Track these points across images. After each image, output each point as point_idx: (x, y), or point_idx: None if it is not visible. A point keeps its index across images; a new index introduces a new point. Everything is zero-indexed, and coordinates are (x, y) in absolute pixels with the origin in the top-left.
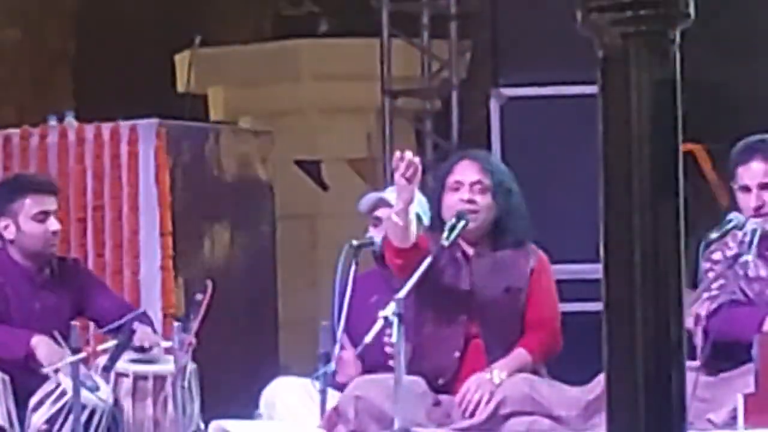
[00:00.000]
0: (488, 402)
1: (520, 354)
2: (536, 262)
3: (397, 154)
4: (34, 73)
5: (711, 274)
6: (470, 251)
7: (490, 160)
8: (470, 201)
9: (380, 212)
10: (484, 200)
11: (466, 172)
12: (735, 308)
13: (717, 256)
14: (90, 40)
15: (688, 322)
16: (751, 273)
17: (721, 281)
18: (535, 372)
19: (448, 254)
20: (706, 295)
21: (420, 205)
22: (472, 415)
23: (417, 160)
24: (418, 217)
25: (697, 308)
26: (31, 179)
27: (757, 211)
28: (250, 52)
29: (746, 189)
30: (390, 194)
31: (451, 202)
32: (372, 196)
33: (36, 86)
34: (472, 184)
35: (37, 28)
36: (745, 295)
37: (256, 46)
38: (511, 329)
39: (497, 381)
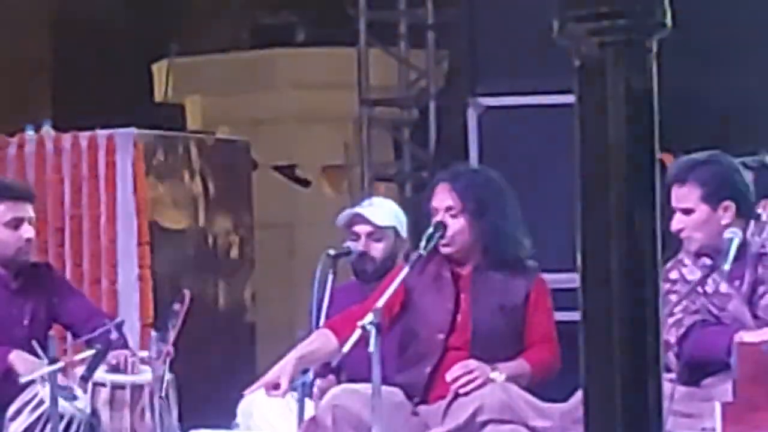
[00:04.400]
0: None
1: (521, 363)
2: (534, 283)
3: None
4: (12, 82)
5: (673, 297)
6: (463, 271)
7: (461, 179)
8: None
9: (357, 228)
10: (454, 225)
11: (439, 197)
12: (705, 329)
13: (674, 275)
14: (67, 49)
15: None
16: (709, 289)
17: (684, 303)
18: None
19: (435, 273)
20: (670, 320)
21: (396, 217)
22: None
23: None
24: (396, 231)
25: (665, 335)
26: (7, 185)
27: (678, 234)
28: (228, 61)
29: (673, 211)
30: (366, 209)
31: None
32: (348, 213)
33: (13, 96)
34: (445, 210)
35: (15, 37)
36: (709, 312)
37: (234, 55)
38: (504, 347)
39: (495, 377)
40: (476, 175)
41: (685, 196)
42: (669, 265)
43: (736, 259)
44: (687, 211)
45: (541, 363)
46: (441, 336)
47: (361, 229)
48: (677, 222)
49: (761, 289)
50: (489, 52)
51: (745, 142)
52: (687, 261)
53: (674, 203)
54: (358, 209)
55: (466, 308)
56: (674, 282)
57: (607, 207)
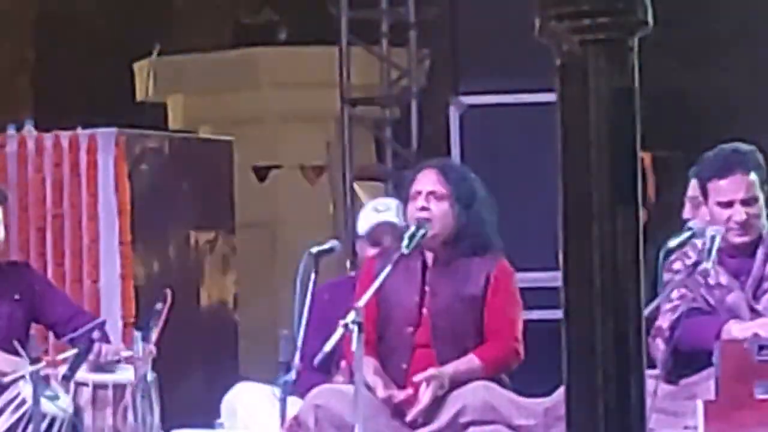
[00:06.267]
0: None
1: (471, 360)
2: (495, 270)
3: None
4: None
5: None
6: (430, 260)
7: (451, 169)
8: (424, 208)
9: (385, 240)
10: (438, 208)
11: (423, 180)
12: (696, 317)
13: (678, 265)
14: (49, 48)
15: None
16: (711, 280)
17: (682, 291)
18: (497, 381)
19: (404, 265)
20: (667, 306)
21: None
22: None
23: None
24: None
25: (659, 321)
26: None
27: (742, 226)
28: (210, 61)
29: (728, 204)
30: (389, 214)
31: (410, 210)
32: (372, 219)
33: None
34: (428, 193)
35: None
36: (707, 302)
37: (216, 55)
38: (465, 338)
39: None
40: (463, 167)
41: (751, 185)
42: (673, 256)
43: (746, 254)
44: (752, 200)
45: (495, 360)
46: (409, 329)
47: (387, 240)
48: (740, 213)
49: (766, 285)
50: (471, 51)
51: (724, 141)
52: (691, 254)
53: (734, 195)
54: (383, 217)
55: (428, 301)
56: (677, 272)
57: (589, 204)
